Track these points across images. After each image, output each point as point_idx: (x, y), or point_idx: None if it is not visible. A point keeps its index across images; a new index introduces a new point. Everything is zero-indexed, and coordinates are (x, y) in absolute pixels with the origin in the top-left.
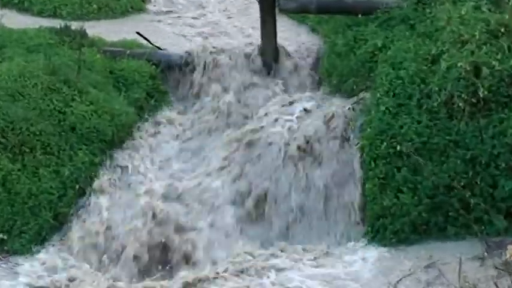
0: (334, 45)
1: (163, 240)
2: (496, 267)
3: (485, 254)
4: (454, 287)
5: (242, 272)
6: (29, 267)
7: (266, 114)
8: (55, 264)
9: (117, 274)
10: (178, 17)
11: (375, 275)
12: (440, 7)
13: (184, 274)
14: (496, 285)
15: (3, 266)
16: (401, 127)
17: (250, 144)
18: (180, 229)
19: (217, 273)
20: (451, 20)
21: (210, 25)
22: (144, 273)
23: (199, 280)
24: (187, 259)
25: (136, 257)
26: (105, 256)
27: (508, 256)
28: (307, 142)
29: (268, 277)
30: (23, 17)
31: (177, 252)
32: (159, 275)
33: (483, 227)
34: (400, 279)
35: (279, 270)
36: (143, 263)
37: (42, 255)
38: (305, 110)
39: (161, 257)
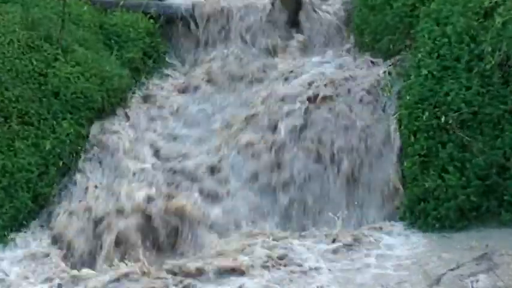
0: None
1: (158, 225)
2: None
3: None
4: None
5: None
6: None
7: (286, 78)
8: (33, 253)
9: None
10: None
11: (413, 267)
12: None
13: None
14: None
15: None
16: (446, 94)
17: (266, 120)
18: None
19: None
20: None
21: None
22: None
23: None
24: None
25: (125, 244)
26: (92, 243)
27: None
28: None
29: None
30: None
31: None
32: None
33: None
34: (444, 273)
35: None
36: (134, 248)
37: (18, 244)
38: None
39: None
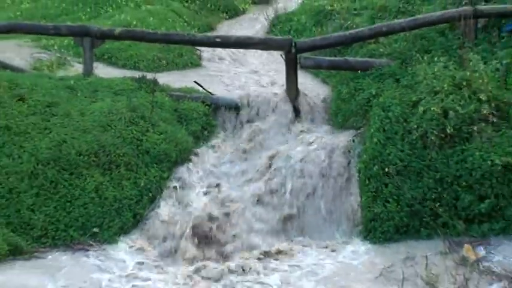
0: (340, 92)
1: (212, 228)
2: (455, 261)
3: (448, 250)
4: (420, 276)
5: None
6: (114, 252)
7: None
8: (134, 249)
9: (175, 256)
10: (226, 71)
11: (366, 264)
12: (418, 66)
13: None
14: (453, 276)
15: (96, 249)
16: (388, 154)
17: (277, 168)
18: (224, 220)
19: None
20: (427, 76)
21: (249, 76)
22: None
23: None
24: (230, 239)
25: (192, 246)
26: (169, 243)
27: (464, 252)
28: (320, 163)
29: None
30: (111, 68)
31: (222, 237)
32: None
33: (447, 230)
34: (384, 268)
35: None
36: (197, 247)
37: (124, 244)
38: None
39: (212, 240)
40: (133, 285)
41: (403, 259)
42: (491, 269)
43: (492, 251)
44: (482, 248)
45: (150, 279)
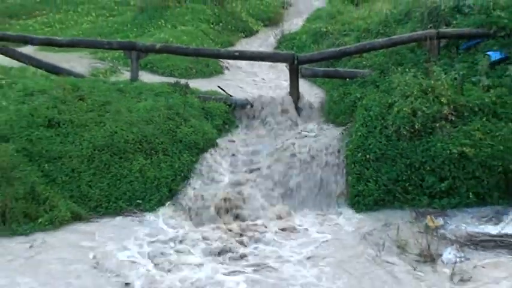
0: (332, 96)
1: (232, 199)
2: (419, 229)
3: (414, 220)
4: (393, 240)
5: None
6: (154, 218)
7: (292, 134)
8: (169, 216)
9: (202, 222)
10: (243, 78)
11: (353, 228)
12: (393, 75)
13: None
14: (418, 241)
15: (139, 216)
16: (369, 144)
17: (283, 154)
18: (241, 193)
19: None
20: (400, 83)
21: (261, 82)
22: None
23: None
24: (243, 210)
25: (215, 211)
26: (197, 211)
27: (427, 222)
28: (316, 151)
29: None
30: (152, 75)
31: (239, 207)
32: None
33: (415, 203)
34: (367, 232)
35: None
36: (219, 214)
37: (161, 212)
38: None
39: (231, 209)
40: (171, 244)
41: (381, 226)
42: (446, 236)
43: (448, 221)
44: (441, 219)
45: (182, 241)
